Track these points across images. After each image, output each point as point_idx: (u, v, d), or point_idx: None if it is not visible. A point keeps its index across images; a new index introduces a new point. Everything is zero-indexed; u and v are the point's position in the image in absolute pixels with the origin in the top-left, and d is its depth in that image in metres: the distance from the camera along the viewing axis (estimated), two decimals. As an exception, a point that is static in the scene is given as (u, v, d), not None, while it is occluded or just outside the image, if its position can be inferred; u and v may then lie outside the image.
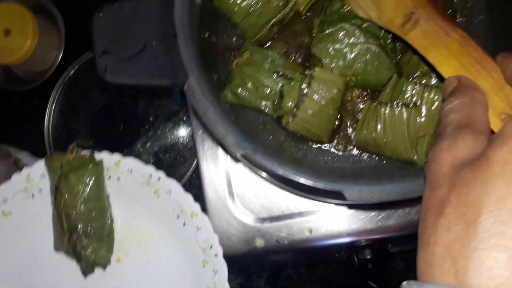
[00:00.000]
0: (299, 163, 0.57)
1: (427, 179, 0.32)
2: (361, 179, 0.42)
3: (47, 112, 0.84)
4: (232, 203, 0.62)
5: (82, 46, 0.83)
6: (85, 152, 0.64)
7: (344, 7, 0.54)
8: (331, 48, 0.53)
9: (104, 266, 0.65)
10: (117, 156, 0.64)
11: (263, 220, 0.62)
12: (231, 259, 0.63)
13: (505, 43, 0.53)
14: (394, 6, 0.48)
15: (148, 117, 0.83)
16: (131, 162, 0.64)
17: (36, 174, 0.66)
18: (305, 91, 0.53)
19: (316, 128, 0.54)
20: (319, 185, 0.42)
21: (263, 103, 0.55)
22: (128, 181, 0.64)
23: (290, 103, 0.54)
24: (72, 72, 0.83)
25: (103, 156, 0.64)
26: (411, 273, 0.78)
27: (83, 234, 0.62)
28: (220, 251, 0.60)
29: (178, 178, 0.81)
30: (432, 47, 0.41)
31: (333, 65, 0.54)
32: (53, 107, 0.84)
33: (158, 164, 0.83)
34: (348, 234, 0.61)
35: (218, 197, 0.62)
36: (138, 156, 0.84)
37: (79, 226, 0.61)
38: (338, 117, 0.57)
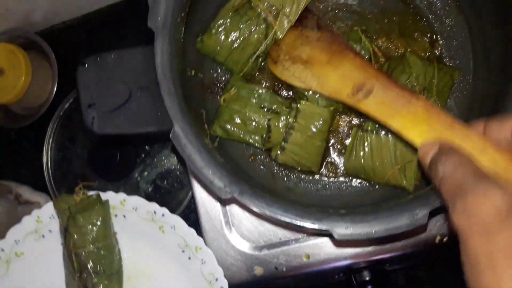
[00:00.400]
0: (291, 193, 0.58)
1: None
2: (349, 215, 0.43)
3: (44, 146, 0.85)
4: (229, 232, 0.63)
5: (75, 76, 0.85)
6: (91, 193, 0.66)
7: None
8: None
9: None
10: (122, 195, 0.66)
11: (261, 248, 0.62)
12: (232, 287, 0.63)
13: (484, 62, 0.54)
14: (340, 79, 0.47)
15: (143, 145, 0.84)
16: (135, 200, 0.66)
17: (45, 216, 0.68)
18: (292, 124, 0.54)
19: (305, 159, 0.55)
20: (307, 223, 0.42)
21: (252, 137, 0.56)
22: (134, 219, 0.66)
23: (278, 136, 0.55)
24: (67, 105, 0.84)
25: (109, 196, 0.65)
26: (412, 288, 0.79)
27: (93, 272, 0.63)
28: (225, 284, 0.61)
29: (177, 204, 0.82)
30: (395, 114, 0.41)
31: (317, 96, 0.55)
32: (51, 141, 0.85)
33: (157, 191, 0.84)
34: (345, 258, 0.62)
35: (214, 227, 0.63)
36: (136, 184, 0.85)
37: (89, 265, 0.63)
38: (328, 146, 0.58)
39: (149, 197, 0.84)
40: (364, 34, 0.55)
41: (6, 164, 0.87)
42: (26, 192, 0.84)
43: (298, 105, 0.54)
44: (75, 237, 0.62)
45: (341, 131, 0.58)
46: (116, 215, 0.66)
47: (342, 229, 0.41)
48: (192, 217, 0.65)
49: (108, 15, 0.85)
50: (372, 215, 0.42)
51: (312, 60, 0.50)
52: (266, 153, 0.59)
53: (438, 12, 0.58)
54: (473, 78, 0.56)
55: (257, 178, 0.58)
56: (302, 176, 0.59)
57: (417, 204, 0.42)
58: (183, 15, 0.45)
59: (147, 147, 0.84)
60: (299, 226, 0.43)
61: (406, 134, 0.39)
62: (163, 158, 0.84)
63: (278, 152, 0.55)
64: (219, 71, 0.60)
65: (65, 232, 0.63)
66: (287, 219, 0.42)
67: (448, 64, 0.58)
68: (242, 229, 0.63)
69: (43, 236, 0.67)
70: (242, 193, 0.43)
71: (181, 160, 0.66)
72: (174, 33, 0.44)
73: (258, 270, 0.62)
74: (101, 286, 0.63)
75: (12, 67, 0.78)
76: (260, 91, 0.55)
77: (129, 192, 0.84)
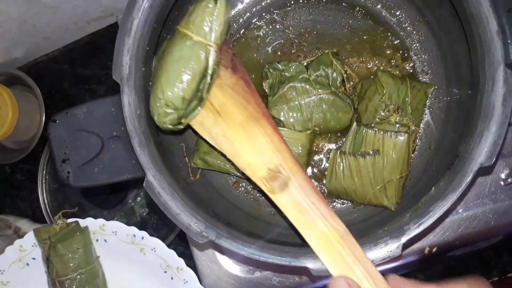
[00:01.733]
0: (276, 218, 0.59)
1: None
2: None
3: (39, 178, 0.87)
4: (220, 257, 0.64)
5: (62, 106, 0.86)
6: (71, 220, 0.67)
7: (290, 66, 0.55)
8: (286, 108, 0.54)
9: None
10: (101, 221, 0.66)
11: (253, 270, 0.63)
12: (228, 310, 0.65)
13: (456, 76, 0.54)
14: (255, 152, 0.42)
15: (128, 189, 0.85)
16: (114, 225, 0.66)
17: (27, 245, 0.69)
18: (270, 152, 0.54)
19: (286, 186, 0.55)
20: (285, 261, 0.43)
21: (232, 167, 0.56)
22: (115, 242, 0.67)
23: (257, 164, 0.55)
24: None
25: (88, 222, 0.65)
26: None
27: None
28: (182, 263, 0.62)
29: (173, 227, 0.83)
30: (308, 226, 0.38)
31: (292, 120, 0.55)
32: (44, 173, 0.87)
33: (152, 215, 0.85)
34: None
35: (205, 253, 0.64)
36: (131, 209, 0.86)
37: None
38: (308, 169, 0.58)
39: (144, 221, 0.85)
40: (335, 58, 0.55)
41: (4, 198, 0.89)
42: (25, 225, 0.85)
43: None
44: (57, 266, 0.64)
45: (320, 152, 0.59)
46: (97, 240, 0.67)
47: (319, 265, 0.42)
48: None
49: (90, 43, 0.85)
50: (347, 250, 0.43)
51: (224, 113, 0.44)
52: (249, 181, 0.60)
53: (408, 28, 0.57)
54: (446, 92, 0.56)
55: (241, 206, 0.59)
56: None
57: (390, 237, 0.42)
58: (147, 64, 0.46)
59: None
60: (277, 265, 0.43)
61: (319, 255, 0.37)
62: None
63: None
64: (195, 103, 0.60)
65: (47, 261, 0.64)
66: (264, 259, 0.43)
67: (422, 79, 0.57)
68: (233, 252, 0.64)
69: (27, 264, 0.69)
70: (220, 237, 0.44)
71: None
72: (139, 83, 0.44)
73: (252, 293, 0.63)
74: None
75: (-2, 105, 0.79)
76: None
77: (126, 217, 0.86)
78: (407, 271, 0.74)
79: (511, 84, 0.40)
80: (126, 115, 0.43)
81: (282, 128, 0.55)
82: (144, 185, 0.44)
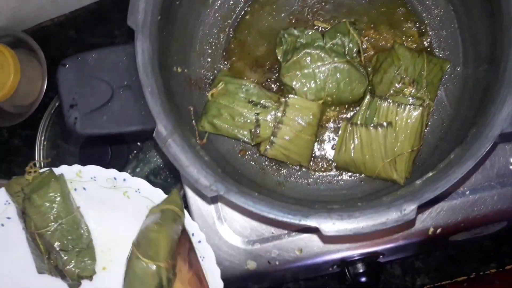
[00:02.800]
0: (282, 187, 0.58)
1: None
2: (336, 212, 0.42)
3: (37, 144, 0.85)
4: (221, 227, 0.63)
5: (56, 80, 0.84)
6: (44, 170, 0.63)
7: (306, 33, 0.54)
8: (300, 75, 0.53)
9: (90, 277, 0.64)
10: (76, 167, 0.62)
11: (253, 242, 0.62)
12: (225, 282, 0.63)
13: (473, 53, 0.53)
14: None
15: (135, 141, 0.84)
16: (92, 169, 0.62)
17: None
18: (281, 118, 0.53)
19: (295, 154, 0.55)
20: (295, 220, 0.42)
21: (241, 132, 0.55)
22: (95, 189, 0.63)
23: (267, 130, 0.54)
24: (57, 102, 0.84)
25: (63, 170, 0.62)
26: (408, 277, 0.79)
27: (61, 250, 0.61)
28: (202, 237, 0.59)
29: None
30: None
31: (305, 89, 0.54)
32: (42, 139, 0.85)
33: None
34: (338, 250, 0.61)
35: (206, 222, 0.63)
36: (129, 181, 0.84)
37: (55, 244, 0.60)
38: (317, 140, 0.57)
39: (143, 193, 0.84)
40: (352, 27, 0.54)
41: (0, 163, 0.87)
42: (20, 191, 0.83)
43: (287, 99, 0.54)
44: (35, 218, 0.59)
45: (331, 124, 0.58)
46: (75, 189, 0.62)
47: (329, 226, 0.41)
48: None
49: (96, 11, 0.84)
50: (359, 211, 0.42)
51: None
52: (256, 149, 0.59)
53: (427, 2, 0.57)
54: (463, 69, 0.56)
55: (247, 173, 0.58)
56: (293, 171, 0.58)
57: (404, 199, 0.42)
58: (163, 13, 0.45)
59: (139, 143, 0.84)
60: (287, 223, 0.42)
61: None
62: (155, 153, 0.83)
63: (268, 146, 0.54)
64: (206, 66, 0.59)
65: (24, 215, 0.60)
66: (274, 216, 0.42)
67: (437, 55, 0.57)
68: (234, 224, 0.63)
69: (2, 225, 0.64)
70: (228, 191, 0.43)
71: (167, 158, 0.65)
72: (155, 32, 0.43)
73: (251, 265, 0.62)
74: (72, 263, 0.61)
75: (1, 66, 0.78)
76: (248, 85, 0.55)
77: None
78: (407, 255, 0.74)
79: (537, 49, 0.39)
80: (139, 63, 0.42)
81: (293, 96, 0.54)
82: (154, 135, 0.43)
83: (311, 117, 0.54)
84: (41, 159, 0.85)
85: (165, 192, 0.82)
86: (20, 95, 0.83)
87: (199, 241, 0.60)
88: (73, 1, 0.83)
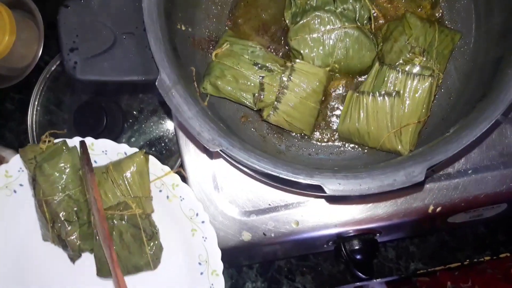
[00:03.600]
0: (282, 156, 0.56)
1: None
2: (341, 172, 0.41)
3: (30, 109, 0.83)
4: (217, 197, 0.61)
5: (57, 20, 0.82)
6: (58, 141, 0.64)
7: None
8: (308, 39, 0.52)
9: (91, 250, 0.64)
10: (90, 139, 0.64)
11: (249, 213, 0.61)
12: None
13: (486, 26, 0.52)
14: None
15: (132, 111, 0.82)
16: (104, 143, 0.63)
17: (13, 170, 0.65)
18: (286, 83, 0.52)
19: (298, 121, 0.53)
20: (299, 178, 0.40)
21: (244, 95, 0.54)
22: (105, 162, 0.64)
23: (271, 95, 0.53)
24: (53, 67, 0.82)
25: (76, 142, 0.63)
26: (402, 261, 0.78)
27: (66, 220, 0.61)
28: (206, 218, 0.59)
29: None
30: None
31: (313, 54, 0.52)
32: (36, 104, 0.83)
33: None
34: (335, 225, 0.60)
35: (203, 191, 0.61)
36: (124, 150, 0.83)
37: (61, 214, 0.61)
38: (322, 108, 0.56)
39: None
40: (364, -8, 0.53)
41: (-10, 125, 0.85)
42: (10, 155, 0.81)
43: (293, 63, 0.52)
44: (44, 186, 0.60)
45: (336, 93, 0.57)
46: None
47: (334, 185, 0.40)
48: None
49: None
50: (366, 172, 0.40)
51: None
52: (258, 115, 0.57)
53: (441, -28, 0.56)
54: (474, 43, 0.55)
55: (247, 140, 0.56)
56: (294, 140, 0.57)
57: (413, 161, 0.40)
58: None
59: (135, 112, 0.82)
60: (291, 182, 0.41)
61: None
62: (152, 124, 0.82)
63: (271, 112, 0.53)
64: (211, 27, 0.57)
65: (34, 182, 0.61)
66: (278, 174, 0.41)
67: (449, 27, 0.56)
68: (230, 194, 0.61)
69: (14, 191, 0.65)
70: (231, 147, 0.41)
71: (170, 127, 0.63)
72: (163, -24, 0.42)
73: (246, 236, 0.61)
74: (75, 235, 0.61)
75: (-4, 25, 0.75)
76: (255, 47, 0.53)
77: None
78: (404, 235, 0.73)
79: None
80: (145, 7, 0.40)
81: (300, 61, 0.53)
82: (156, 83, 0.41)
83: (317, 83, 0.53)
84: (34, 124, 0.83)
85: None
86: (14, 57, 0.81)
87: (203, 222, 0.60)
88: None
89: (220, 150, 0.41)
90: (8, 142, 0.84)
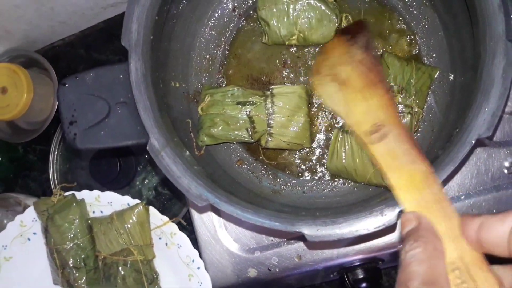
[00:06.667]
0: (278, 196, 0.59)
1: None
2: (321, 218, 0.44)
3: (50, 159, 0.88)
4: (222, 236, 0.65)
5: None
6: (68, 194, 0.70)
7: None
8: (274, 9, 0.57)
9: None
10: (96, 192, 0.70)
11: (254, 250, 0.64)
12: (228, 289, 0.65)
13: (460, 61, 0.54)
14: (365, 111, 0.46)
15: (143, 154, 0.86)
16: (109, 195, 0.69)
17: (28, 220, 0.72)
18: (271, 109, 0.56)
19: (294, 138, 0.57)
20: (280, 227, 0.44)
21: (239, 133, 0.57)
22: (110, 213, 0.69)
23: (262, 124, 0.56)
24: (68, 118, 0.87)
25: (84, 194, 0.69)
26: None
27: (74, 267, 0.67)
28: (201, 264, 0.64)
29: (178, 209, 0.84)
30: (396, 169, 0.39)
31: (279, 24, 0.57)
32: (55, 153, 0.89)
33: (158, 197, 0.86)
34: (337, 257, 0.63)
35: (208, 231, 0.65)
36: (139, 191, 0.87)
37: (70, 261, 0.67)
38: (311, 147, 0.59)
39: (151, 204, 0.86)
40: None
41: (15, 177, 0.91)
42: (34, 204, 0.87)
43: (271, 90, 0.56)
44: (55, 235, 0.66)
45: (322, 131, 0.60)
46: (94, 212, 0.70)
47: (313, 232, 0.43)
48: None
49: (104, 29, 0.88)
50: (343, 217, 0.43)
51: (348, 83, 0.50)
52: (253, 158, 0.60)
53: (415, 12, 0.58)
54: (451, 76, 0.57)
55: (244, 183, 0.60)
56: (288, 179, 0.60)
57: (386, 204, 0.43)
58: (156, 32, 0.47)
59: (147, 156, 0.87)
60: (275, 231, 0.44)
61: (397, 193, 0.38)
62: (163, 165, 0.86)
63: (268, 138, 0.56)
64: (203, 81, 0.61)
65: (46, 232, 0.67)
66: (261, 224, 0.44)
67: (427, 62, 0.58)
68: (235, 232, 0.64)
69: (28, 239, 0.71)
70: (217, 201, 0.45)
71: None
72: (147, 51, 0.46)
73: (252, 272, 0.64)
74: (83, 280, 0.67)
75: (14, 85, 0.82)
76: (232, 89, 0.57)
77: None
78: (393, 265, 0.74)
79: (511, 57, 0.40)
80: (133, 80, 0.45)
81: (276, 86, 0.58)
82: (147, 148, 0.45)
83: (298, 99, 0.56)
84: (55, 173, 0.89)
85: (172, 202, 0.85)
86: (33, 112, 0.86)
87: (198, 267, 0.65)
88: (82, 21, 0.87)
89: (209, 205, 0.45)
90: (32, 191, 0.90)
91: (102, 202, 0.68)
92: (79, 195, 0.69)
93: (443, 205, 0.35)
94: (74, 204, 0.67)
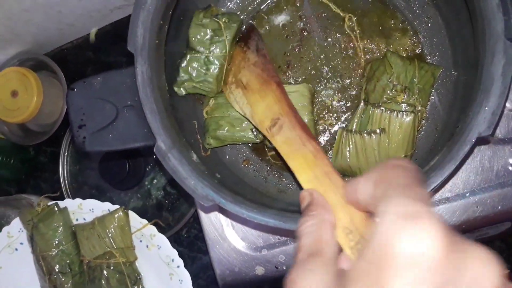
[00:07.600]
0: (283, 195, 0.60)
1: None
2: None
3: (60, 160, 0.90)
4: (229, 234, 0.66)
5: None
6: (52, 203, 0.73)
7: None
8: None
9: None
10: (78, 200, 0.73)
11: (261, 248, 0.65)
12: (236, 286, 0.66)
13: (463, 59, 0.54)
14: (264, 109, 0.50)
15: (152, 154, 0.88)
16: (90, 203, 0.73)
17: (14, 231, 0.75)
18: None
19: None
20: (285, 226, 0.44)
21: (244, 134, 0.58)
22: (92, 218, 0.72)
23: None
24: (78, 120, 0.89)
25: (67, 203, 0.73)
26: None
27: (60, 273, 0.70)
28: (181, 263, 0.68)
29: (187, 209, 0.85)
30: (291, 155, 0.43)
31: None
32: (66, 155, 0.90)
33: (167, 197, 0.87)
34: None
35: (215, 230, 0.66)
36: (148, 191, 0.89)
37: (56, 266, 0.70)
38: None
39: (160, 203, 0.88)
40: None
41: (27, 178, 0.93)
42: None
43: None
44: (40, 243, 0.70)
45: (328, 131, 0.60)
46: (77, 219, 0.73)
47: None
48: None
49: (112, 31, 0.89)
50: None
51: (248, 86, 0.54)
52: (258, 158, 0.61)
53: (417, 11, 0.58)
54: (454, 74, 0.57)
55: (250, 182, 0.61)
56: (293, 179, 0.61)
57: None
58: (161, 36, 0.48)
59: (155, 156, 0.88)
60: (279, 229, 0.45)
61: (298, 177, 0.41)
62: (171, 165, 0.87)
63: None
64: (208, 82, 0.62)
65: (32, 241, 0.71)
66: (266, 223, 0.45)
67: (430, 61, 0.58)
68: (242, 231, 0.65)
69: (16, 249, 0.75)
70: (224, 200, 0.46)
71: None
72: (153, 54, 0.47)
73: (260, 270, 0.65)
74: (69, 284, 0.71)
75: (24, 88, 0.83)
76: (235, 92, 0.58)
77: (142, 199, 0.89)
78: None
79: (510, 55, 0.41)
80: (139, 84, 0.46)
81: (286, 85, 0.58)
82: (154, 150, 0.46)
83: (303, 97, 0.57)
84: (65, 174, 0.90)
85: (181, 202, 0.86)
86: (43, 115, 0.88)
87: (178, 266, 0.68)
88: (90, 23, 0.88)
89: (215, 205, 0.46)
90: (44, 192, 0.92)
91: (84, 210, 0.72)
92: (62, 203, 0.72)
93: (332, 177, 0.38)
94: (57, 212, 0.70)
